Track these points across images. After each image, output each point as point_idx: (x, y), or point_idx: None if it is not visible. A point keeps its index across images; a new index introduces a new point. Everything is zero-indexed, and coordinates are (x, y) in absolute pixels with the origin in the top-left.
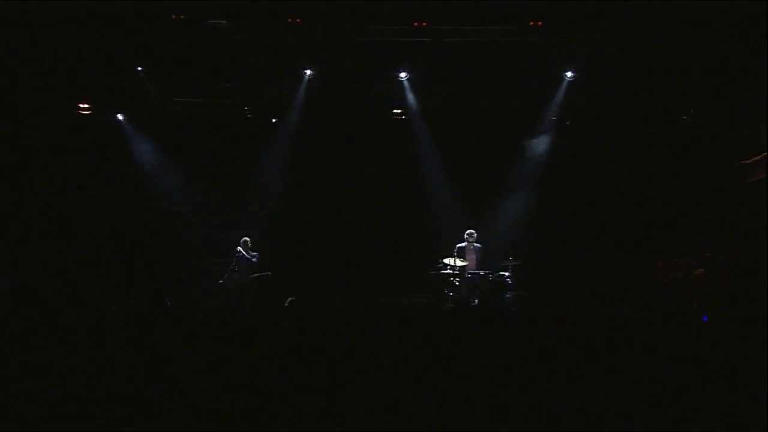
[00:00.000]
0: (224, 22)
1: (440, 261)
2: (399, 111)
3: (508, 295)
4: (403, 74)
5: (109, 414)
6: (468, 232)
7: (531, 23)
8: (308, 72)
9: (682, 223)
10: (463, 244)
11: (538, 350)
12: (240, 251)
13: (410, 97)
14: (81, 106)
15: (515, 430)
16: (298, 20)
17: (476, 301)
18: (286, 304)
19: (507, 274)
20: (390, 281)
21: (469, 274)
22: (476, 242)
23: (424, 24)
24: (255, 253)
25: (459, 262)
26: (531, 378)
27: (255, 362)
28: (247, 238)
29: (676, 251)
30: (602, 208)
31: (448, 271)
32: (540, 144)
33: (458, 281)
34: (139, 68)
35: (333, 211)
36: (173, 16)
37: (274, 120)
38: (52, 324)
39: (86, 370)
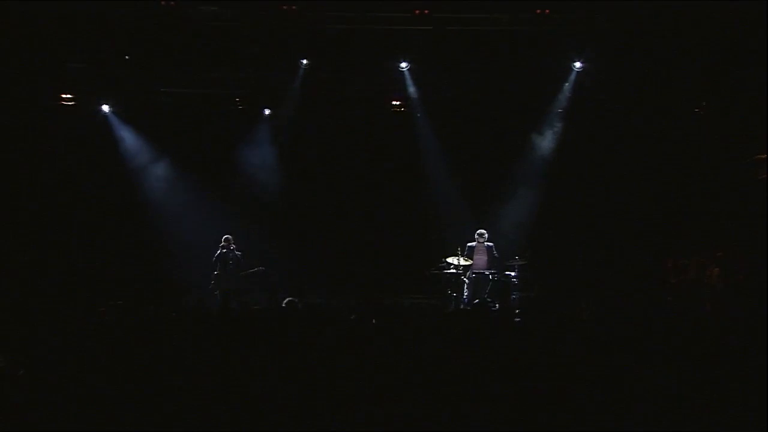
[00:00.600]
0: (215, 8)
1: (443, 260)
2: (399, 103)
3: (514, 296)
4: (403, 64)
5: (107, 414)
6: (478, 232)
7: (538, 11)
8: (304, 62)
9: (694, 221)
10: (473, 244)
11: (545, 351)
12: (233, 249)
13: (411, 88)
14: (64, 96)
15: (519, 430)
16: (293, 7)
17: (496, 305)
18: (284, 304)
19: (513, 274)
20: (389, 281)
21: (474, 273)
22: (487, 241)
23: (426, 12)
24: (239, 252)
25: (463, 261)
26: (537, 379)
27: (253, 362)
28: (230, 236)
29: (687, 250)
30: (610, 206)
31: (452, 270)
32: (546, 140)
33: (464, 278)
34: (127, 57)
35: (329, 207)
36: (162, 2)
37: (267, 111)
38: (41, 323)
39: (78, 370)
